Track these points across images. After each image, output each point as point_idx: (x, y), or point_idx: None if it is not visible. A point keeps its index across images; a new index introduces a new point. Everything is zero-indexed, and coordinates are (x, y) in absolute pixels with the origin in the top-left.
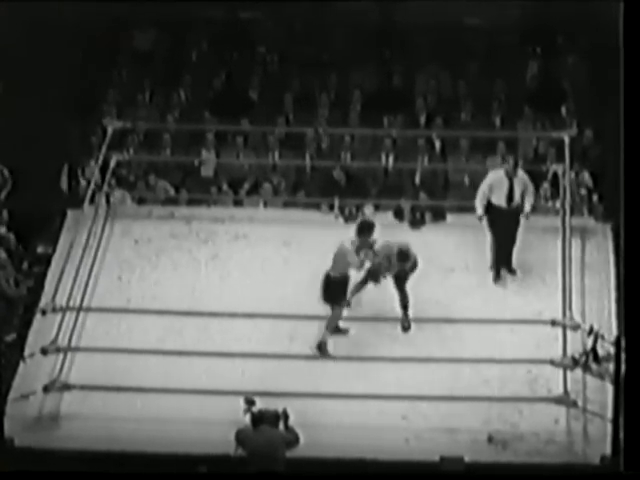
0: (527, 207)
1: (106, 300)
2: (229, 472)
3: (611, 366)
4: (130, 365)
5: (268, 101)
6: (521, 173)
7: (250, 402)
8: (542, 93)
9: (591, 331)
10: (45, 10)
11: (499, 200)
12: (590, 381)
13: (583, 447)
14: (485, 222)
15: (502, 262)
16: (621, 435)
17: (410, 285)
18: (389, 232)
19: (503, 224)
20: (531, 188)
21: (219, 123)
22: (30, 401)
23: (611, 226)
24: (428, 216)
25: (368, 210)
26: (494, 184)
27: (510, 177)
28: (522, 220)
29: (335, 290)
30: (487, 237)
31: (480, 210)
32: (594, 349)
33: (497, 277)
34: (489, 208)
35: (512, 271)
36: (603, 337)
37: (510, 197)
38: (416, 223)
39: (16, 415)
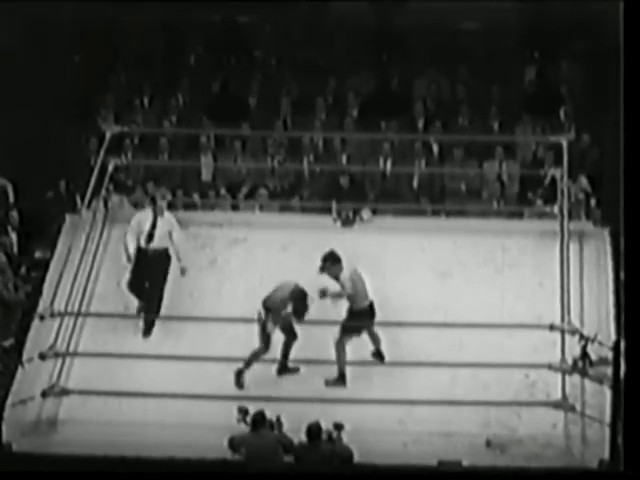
0: (179, 257)
1: (104, 305)
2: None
3: (609, 370)
4: (128, 370)
5: (266, 105)
6: (167, 214)
7: (244, 411)
8: (540, 98)
9: (581, 336)
10: (42, 15)
11: (141, 241)
12: (588, 385)
13: (581, 451)
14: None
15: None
16: (619, 439)
17: (409, 289)
18: (387, 236)
19: (148, 266)
20: (178, 231)
21: (217, 127)
22: (28, 406)
23: (609, 230)
24: (367, 214)
25: (366, 214)
26: (140, 223)
27: (155, 216)
28: (169, 265)
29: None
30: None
31: (130, 250)
32: (585, 353)
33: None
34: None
35: (148, 332)
36: (594, 341)
37: (150, 238)
38: (347, 223)
39: (14, 420)
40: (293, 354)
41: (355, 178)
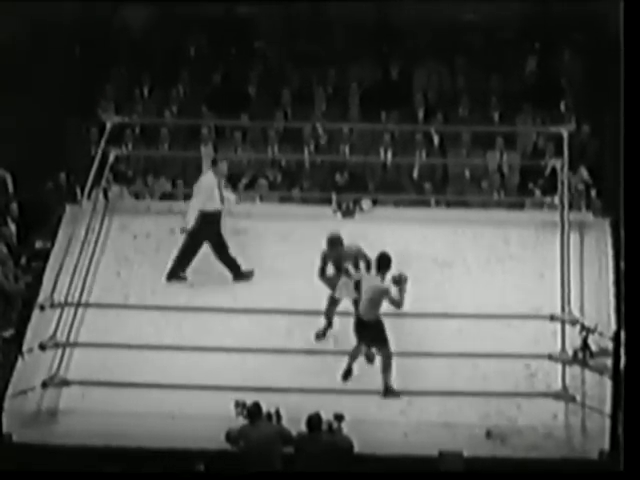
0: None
1: (104, 295)
2: (227, 469)
3: (609, 361)
4: (128, 360)
5: (266, 96)
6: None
7: (241, 405)
8: (541, 88)
9: (583, 327)
10: (43, 6)
11: (214, 203)
12: (589, 376)
13: (581, 442)
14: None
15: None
16: (619, 430)
17: (409, 280)
18: (388, 226)
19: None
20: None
21: (217, 118)
22: (28, 397)
23: (609, 221)
24: (367, 205)
25: (366, 205)
26: (208, 188)
27: (219, 178)
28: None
29: None
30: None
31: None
32: (587, 344)
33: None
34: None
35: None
36: (594, 332)
37: (222, 199)
38: (347, 213)
39: (14, 411)
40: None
41: (355, 169)
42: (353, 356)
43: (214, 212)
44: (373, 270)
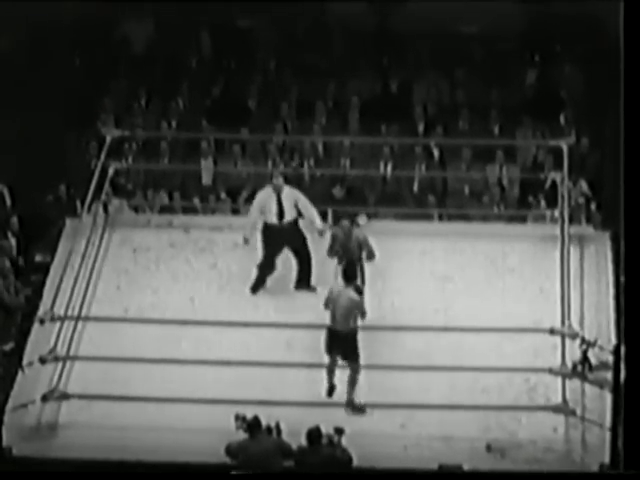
0: (317, 221)
1: (104, 309)
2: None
3: (609, 374)
4: (128, 374)
5: (266, 109)
6: (287, 188)
7: (241, 418)
8: (540, 101)
9: (583, 341)
10: (42, 18)
11: (271, 218)
12: (589, 390)
13: (581, 455)
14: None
15: (303, 282)
16: (620, 443)
17: (409, 293)
18: (389, 240)
19: (285, 238)
20: (303, 200)
21: (217, 131)
22: (28, 410)
23: (609, 234)
24: (363, 220)
25: (362, 220)
26: (262, 203)
27: (278, 193)
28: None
29: None
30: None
31: (248, 233)
32: (586, 358)
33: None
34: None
35: (312, 288)
36: (594, 345)
37: (281, 214)
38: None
39: (14, 424)
40: None
41: (355, 182)
42: (330, 371)
43: (269, 225)
44: (340, 279)
